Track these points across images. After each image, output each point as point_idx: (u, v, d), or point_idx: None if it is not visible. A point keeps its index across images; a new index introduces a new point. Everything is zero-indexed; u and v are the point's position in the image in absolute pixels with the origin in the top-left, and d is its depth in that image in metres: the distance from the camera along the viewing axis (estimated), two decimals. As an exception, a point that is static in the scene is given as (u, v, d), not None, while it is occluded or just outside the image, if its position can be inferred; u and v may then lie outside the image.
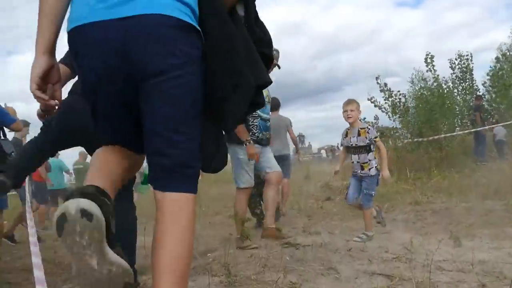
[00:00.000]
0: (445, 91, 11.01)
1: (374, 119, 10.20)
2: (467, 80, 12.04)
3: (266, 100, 3.97)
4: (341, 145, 4.25)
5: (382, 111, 10.06)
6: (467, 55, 11.67)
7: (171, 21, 1.13)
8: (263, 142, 4.03)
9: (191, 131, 1.19)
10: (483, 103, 11.22)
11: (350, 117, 3.89)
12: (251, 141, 3.75)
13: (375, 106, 10.18)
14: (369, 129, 3.94)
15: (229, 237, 3.95)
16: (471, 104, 11.15)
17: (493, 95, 10.59)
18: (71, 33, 1.17)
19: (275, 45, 1.79)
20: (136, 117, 1.20)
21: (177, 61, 1.13)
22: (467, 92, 11.95)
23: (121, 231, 1.35)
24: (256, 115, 3.89)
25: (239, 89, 1.27)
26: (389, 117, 10.07)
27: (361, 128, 3.96)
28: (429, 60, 10.11)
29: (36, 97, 1.23)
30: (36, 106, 1.62)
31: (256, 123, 3.92)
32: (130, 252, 1.99)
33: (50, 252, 3.99)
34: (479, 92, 12.11)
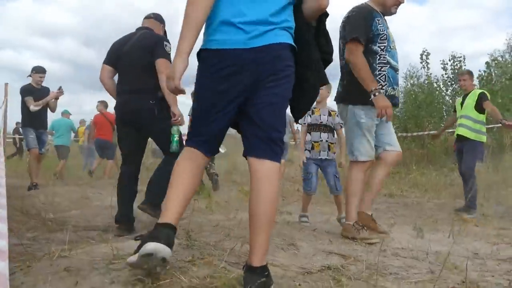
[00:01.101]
0: (436, 90, 11.09)
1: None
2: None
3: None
4: (304, 123, 4.04)
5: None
6: (460, 57, 11.70)
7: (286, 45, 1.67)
8: (393, 102, 2.96)
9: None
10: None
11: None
12: (381, 91, 2.80)
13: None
14: (338, 114, 3.89)
15: (197, 207, 3.96)
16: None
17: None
18: (221, 51, 1.62)
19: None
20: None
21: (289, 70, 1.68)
22: (457, 94, 12.03)
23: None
24: (385, 61, 2.95)
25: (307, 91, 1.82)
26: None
27: (332, 110, 4.00)
28: (424, 57, 10.12)
29: (179, 90, 1.59)
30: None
31: (385, 72, 2.94)
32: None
33: (19, 201, 3.99)
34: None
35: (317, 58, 1.83)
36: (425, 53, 10.00)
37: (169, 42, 3.14)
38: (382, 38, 2.93)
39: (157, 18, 3.41)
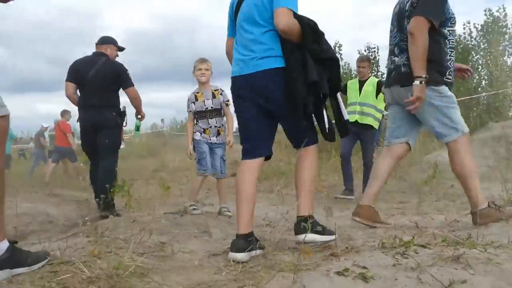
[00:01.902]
0: (349, 78, 11.83)
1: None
2: (373, 72, 13.01)
3: None
4: (190, 110, 3.84)
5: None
6: (374, 48, 12.52)
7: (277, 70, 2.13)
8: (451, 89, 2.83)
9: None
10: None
11: (204, 76, 3.74)
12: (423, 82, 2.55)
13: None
14: (222, 90, 3.82)
15: (116, 206, 3.94)
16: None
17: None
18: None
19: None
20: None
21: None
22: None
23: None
24: (453, 46, 2.78)
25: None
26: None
27: (214, 90, 3.80)
28: (337, 49, 10.71)
29: None
30: None
31: (453, 58, 2.78)
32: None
33: None
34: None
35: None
36: (337, 45, 10.61)
37: (127, 70, 4.11)
38: (452, 22, 2.74)
39: (108, 41, 4.20)
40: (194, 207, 3.69)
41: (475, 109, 9.61)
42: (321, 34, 2.18)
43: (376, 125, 5.26)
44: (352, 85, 5.43)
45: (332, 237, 2.12)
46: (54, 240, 2.77)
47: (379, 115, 5.29)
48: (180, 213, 3.40)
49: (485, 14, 10.25)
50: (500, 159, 7.16)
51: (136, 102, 4.13)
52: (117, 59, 4.22)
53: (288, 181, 6.90)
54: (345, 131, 2.35)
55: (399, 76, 2.79)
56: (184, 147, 15.23)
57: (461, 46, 10.14)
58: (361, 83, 5.30)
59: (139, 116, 4.30)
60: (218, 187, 3.98)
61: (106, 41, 4.18)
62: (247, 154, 2.24)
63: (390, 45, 2.93)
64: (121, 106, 4.12)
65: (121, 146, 4.23)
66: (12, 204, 4.82)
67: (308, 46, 2.09)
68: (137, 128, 4.59)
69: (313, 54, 2.09)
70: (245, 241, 2.04)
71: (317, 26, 2.16)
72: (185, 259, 2.02)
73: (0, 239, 1.67)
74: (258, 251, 2.09)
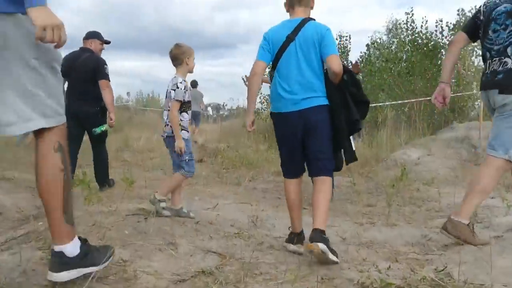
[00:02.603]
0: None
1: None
2: (344, 61, 13.04)
3: None
4: (178, 99, 3.32)
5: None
6: (346, 36, 12.55)
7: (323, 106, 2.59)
8: None
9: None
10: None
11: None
12: None
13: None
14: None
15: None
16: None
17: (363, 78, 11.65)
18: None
19: None
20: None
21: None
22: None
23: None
24: None
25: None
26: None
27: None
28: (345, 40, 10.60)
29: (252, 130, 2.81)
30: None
31: None
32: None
33: None
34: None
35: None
36: (346, 37, 10.55)
37: (106, 64, 4.51)
38: None
39: (92, 36, 4.62)
40: (164, 205, 3.33)
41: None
42: (358, 80, 2.75)
43: None
44: None
45: (336, 260, 2.31)
46: (1, 242, 2.53)
47: None
48: (144, 213, 3.21)
49: (458, 14, 10.41)
50: (463, 161, 7.37)
51: (105, 94, 4.44)
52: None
53: (255, 172, 6.80)
54: (353, 158, 2.77)
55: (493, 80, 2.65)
56: (149, 124, 14.88)
57: (432, 43, 10.26)
58: None
59: (111, 120, 4.61)
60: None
61: (90, 36, 4.61)
62: (290, 174, 2.73)
63: (497, 45, 2.69)
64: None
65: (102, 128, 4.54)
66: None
67: (348, 88, 2.59)
68: (100, 129, 4.53)
69: (352, 96, 2.60)
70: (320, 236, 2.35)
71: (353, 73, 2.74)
72: (150, 284, 1.86)
73: (70, 238, 1.70)
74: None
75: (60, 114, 1.68)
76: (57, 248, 1.69)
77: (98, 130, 4.48)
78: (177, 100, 3.30)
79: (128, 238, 2.50)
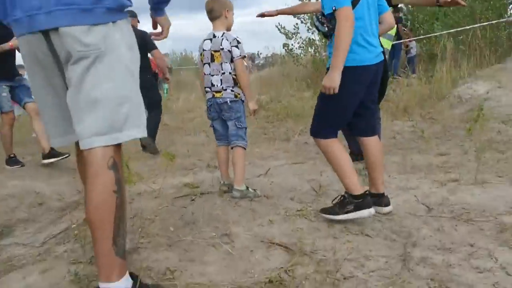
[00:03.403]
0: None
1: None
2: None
3: None
4: (244, 56, 2.95)
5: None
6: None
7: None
8: None
9: None
10: (401, 15, 11.10)
11: None
12: None
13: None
14: None
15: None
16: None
17: (411, 8, 10.43)
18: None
19: None
20: None
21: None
22: None
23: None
24: None
25: None
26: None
27: None
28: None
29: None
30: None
31: None
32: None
33: None
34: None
35: None
36: None
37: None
38: None
39: (133, 15, 4.86)
40: (251, 191, 2.85)
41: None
42: None
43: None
44: None
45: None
46: (40, 243, 2.25)
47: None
48: (190, 193, 2.83)
49: None
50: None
51: (160, 61, 5.23)
52: None
53: (304, 124, 6.25)
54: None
55: None
56: (186, 83, 14.57)
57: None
58: None
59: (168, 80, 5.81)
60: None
61: (130, 15, 5.18)
62: (334, 133, 2.34)
63: None
64: None
65: None
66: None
67: None
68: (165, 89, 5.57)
69: None
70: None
71: None
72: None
73: (119, 275, 1.38)
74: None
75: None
76: (102, 286, 1.36)
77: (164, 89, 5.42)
78: (244, 57, 2.90)
79: (175, 234, 2.11)
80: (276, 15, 3.62)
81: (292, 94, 9.30)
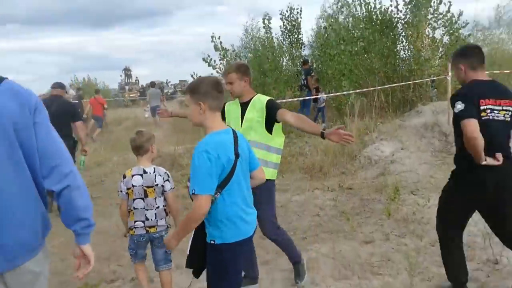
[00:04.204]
0: (275, 46, 11.15)
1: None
2: (295, 33, 12.38)
3: None
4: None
5: (217, 72, 9.51)
6: (297, 9, 11.93)
7: None
8: None
9: None
10: (310, 67, 11.79)
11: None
12: None
13: (209, 65, 9.58)
14: None
15: None
16: (299, 69, 11.62)
17: (320, 65, 11.12)
18: None
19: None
20: None
21: None
22: (293, 46, 12.33)
23: None
24: None
25: None
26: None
27: None
28: (266, 22, 9.88)
29: None
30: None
31: None
32: None
33: None
34: (304, 48, 12.80)
35: None
36: (267, 18, 9.82)
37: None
38: None
39: (61, 86, 5.90)
40: None
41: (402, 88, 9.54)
42: None
43: (273, 175, 3.08)
44: (232, 109, 3.13)
45: None
46: None
47: (275, 158, 3.09)
48: None
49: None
50: (436, 152, 7.18)
51: (81, 132, 5.72)
52: None
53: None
54: None
55: None
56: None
57: (388, 19, 9.88)
58: (243, 105, 3.06)
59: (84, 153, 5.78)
60: None
61: (58, 86, 5.83)
62: None
63: None
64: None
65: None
66: None
67: None
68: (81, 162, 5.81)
69: None
70: None
71: None
72: None
73: None
74: None
75: None
76: None
77: (81, 161, 5.77)
78: (174, 189, 3.06)
79: None
80: (171, 116, 3.87)
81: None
